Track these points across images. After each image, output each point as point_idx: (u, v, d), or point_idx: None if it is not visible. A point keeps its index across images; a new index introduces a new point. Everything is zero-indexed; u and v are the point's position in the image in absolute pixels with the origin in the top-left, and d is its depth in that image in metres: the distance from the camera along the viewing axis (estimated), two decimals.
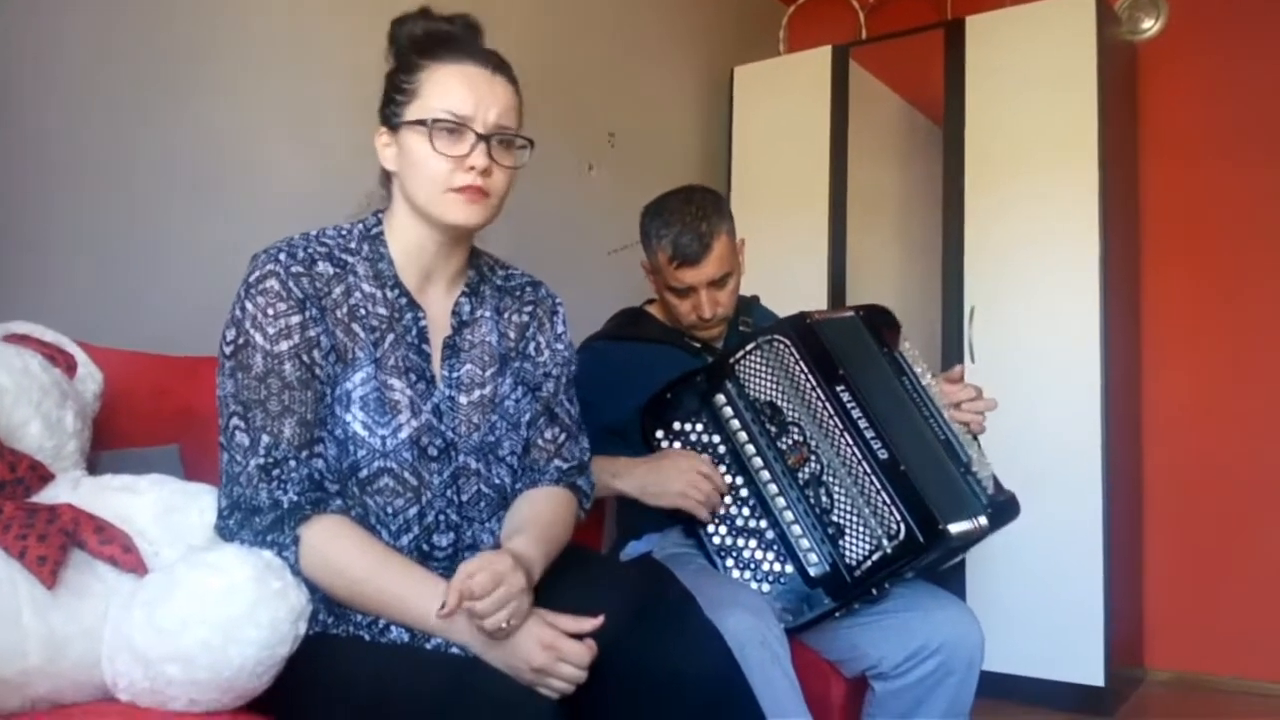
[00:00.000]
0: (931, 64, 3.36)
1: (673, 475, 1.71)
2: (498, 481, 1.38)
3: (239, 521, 1.19)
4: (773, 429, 1.69)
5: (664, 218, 1.90)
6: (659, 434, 1.80)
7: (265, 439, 1.20)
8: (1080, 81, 3.08)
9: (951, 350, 3.19)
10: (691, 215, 1.87)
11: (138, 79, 1.92)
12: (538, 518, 1.36)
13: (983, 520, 1.59)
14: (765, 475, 1.68)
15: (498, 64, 1.34)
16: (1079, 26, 3.10)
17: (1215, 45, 3.46)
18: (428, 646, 1.20)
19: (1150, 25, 3.56)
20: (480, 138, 1.28)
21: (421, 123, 1.28)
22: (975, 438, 1.74)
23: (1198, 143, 3.46)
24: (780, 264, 3.27)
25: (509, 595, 1.14)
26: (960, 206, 3.24)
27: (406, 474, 1.28)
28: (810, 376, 1.66)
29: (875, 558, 1.57)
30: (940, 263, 3.28)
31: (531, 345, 1.46)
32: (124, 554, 1.12)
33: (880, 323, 1.79)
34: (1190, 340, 3.43)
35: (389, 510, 1.27)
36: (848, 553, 1.60)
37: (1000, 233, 3.18)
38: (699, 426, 1.77)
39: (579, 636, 1.16)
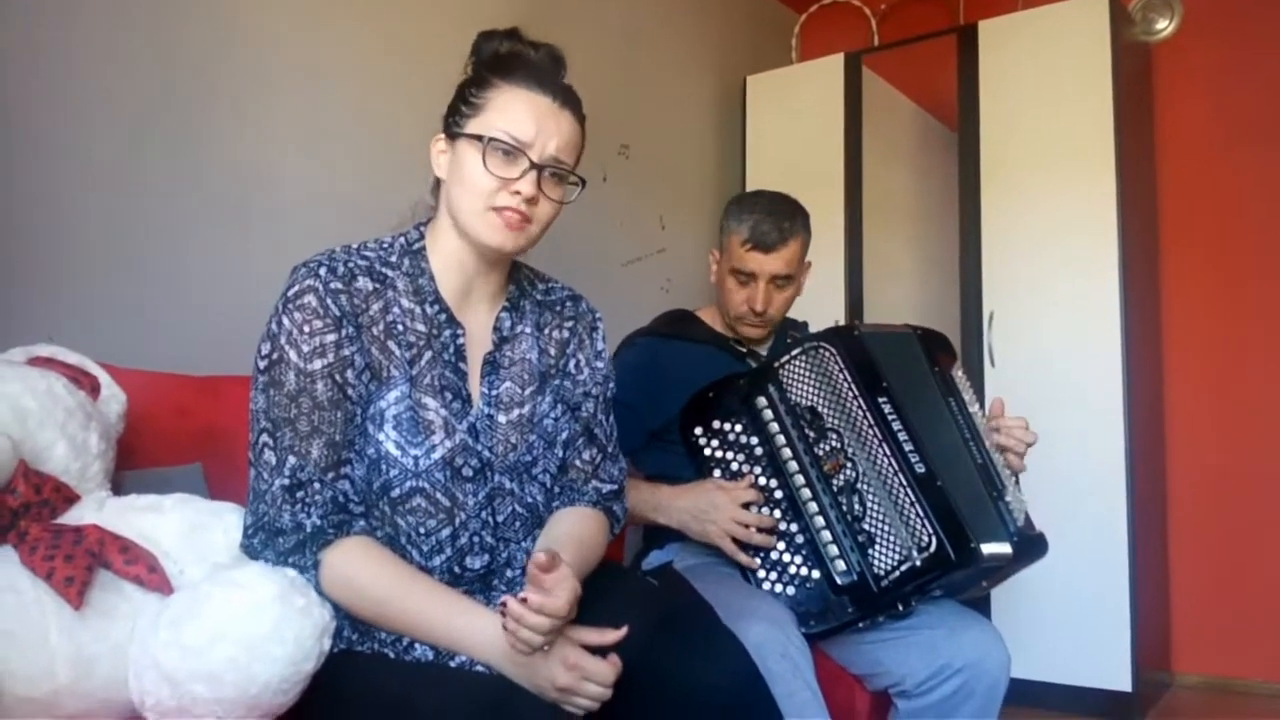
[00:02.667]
0: (945, 69, 3.35)
1: (711, 516, 1.71)
2: (530, 500, 1.36)
3: (262, 542, 1.19)
4: (811, 434, 1.68)
5: (750, 203, 1.96)
6: (698, 430, 1.79)
7: (292, 460, 1.20)
8: (1095, 83, 3.07)
9: (971, 355, 3.17)
10: (778, 211, 1.94)
11: (155, 101, 1.94)
12: (576, 538, 1.34)
13: (1006, 548, 1.58)
14: (800, 479, 1.68)
15: (567, 99, 1.34)
16: (1093, 28, 3.09)
17: (1230, 44, 3.44)
18: (452, 664, 1.20)
19: (1165, 26, 3.54)
20: (534, 166, 1.28)
21: (479, 138, 1.28)
22: (1015, 478, 1.74)
23: (1215, 142, 3.44)
24: None
25: (569, 614, 1.13)
26: (977, 211, 3.23)
27: (439, 495, 1.27)
28: (853, 385, 1.66)
29: (903, 569, 1.57)
30: (958, 267, 3.27)
31: (571, 363, 1.45)
32: (149, 573, 1.13)
33: (935, 345, 1.81)
34: (1213, 341, 3.40)
35: (421, 531, 1.26)
36: (876, 562, 1.59)
37: (1018, 236, 3.17)
38: (738, 427, 1.76)
39: (603, 651, 1.16)
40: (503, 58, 1.34)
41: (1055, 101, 3.13)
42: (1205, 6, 3.49)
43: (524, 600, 1.09)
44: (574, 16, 3.03)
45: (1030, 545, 1.65)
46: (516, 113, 1.29)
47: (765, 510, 1.70)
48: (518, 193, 1.27)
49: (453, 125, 1.33)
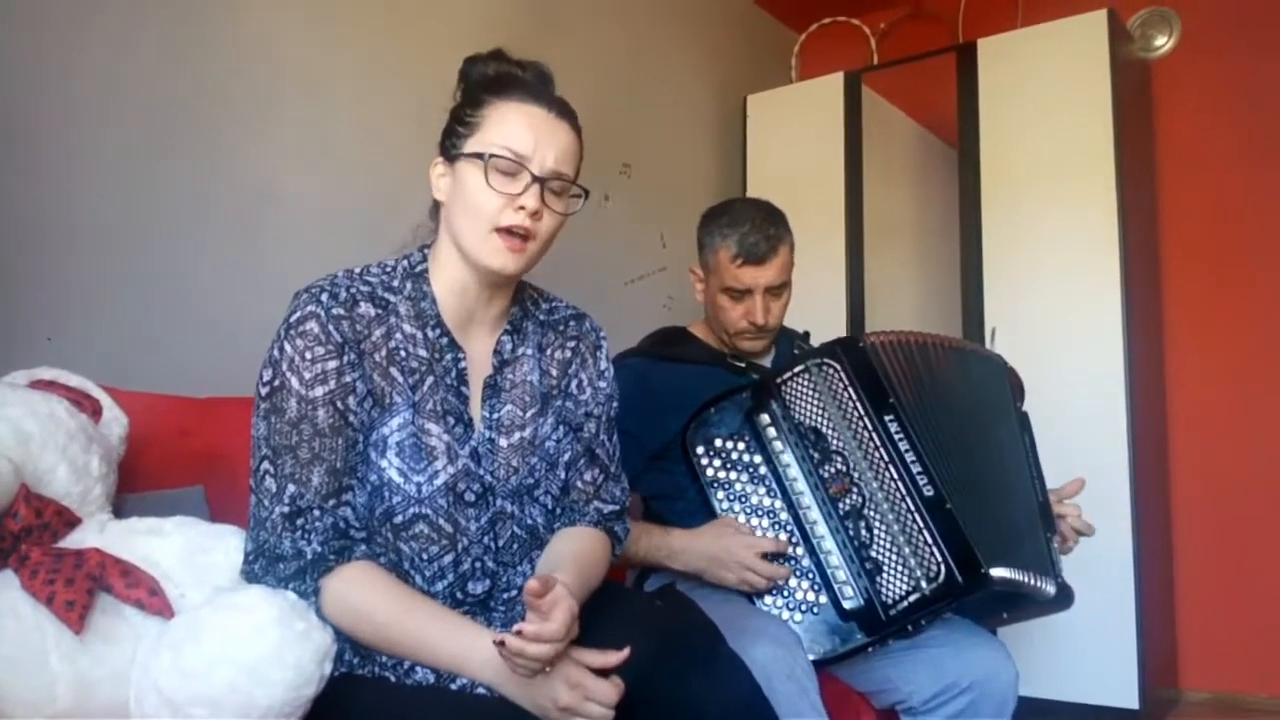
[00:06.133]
0: (945, 87, 3.36)
1: (726, 563, 1.67)
2: (530, 523, 1.35)
3: (263, 568, 1.19)
4: (816, 455, 1.66)
5: (730, 216, 1.89)
6: (700, 449, 1.76)
7: (292, 488, 1.19)
8: (1095, 100, 3.07)
9: None
10: (760, 218, 1.87)
11: (162, 119, 1.95)
12: (578, 556, 1.32)
13: (1049, 587, 1.59)
14: (805, 500, 1.65)
15: (563, 110, 1.34)
16: (1092, 45, 3.10)
17: (1229, 60, 3.45)
18: (453, 687, 1.19)
19: (1163, 42, 3.55)
20: (535, 179, 1.27)
21: (479, 156, 1.27)
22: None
23: (1215, 158, 3.44)
24: (799, 290, 3.24)
25: (568, 635, 1.12)
26: (978, 228, 3.23)
27: (442, 521, 1.27)
28: (859, 404, 1.64)
29: (912, 599, 1.55)
30: (960, 285, 3.27)
31: (574, 383, 1.44)
32: (150, 597, 1.12)
33: (1016, 381, 1.83)
34: (1215, 355, 3.40)
35: (424, 556, 1.26)
36: (884, 590, 1.57)
37: (1019, 253, 3.17)
38: (740, 445, 1.73)
39: (605, 673, 1.15)
40: (493, 78, 1.35)
41: (1055, 118, 3.13)
42: (1203, 23, 3.50)
43: (519, 632, 1.08)
44: (576, 36, 3.05)
45: (1063, 591, 1.65)
46: (513, 126, 1.28)
47: (771, 534, 1.68)
48: (522, 208, 1.26)
49: (450, 147, 1.33)
